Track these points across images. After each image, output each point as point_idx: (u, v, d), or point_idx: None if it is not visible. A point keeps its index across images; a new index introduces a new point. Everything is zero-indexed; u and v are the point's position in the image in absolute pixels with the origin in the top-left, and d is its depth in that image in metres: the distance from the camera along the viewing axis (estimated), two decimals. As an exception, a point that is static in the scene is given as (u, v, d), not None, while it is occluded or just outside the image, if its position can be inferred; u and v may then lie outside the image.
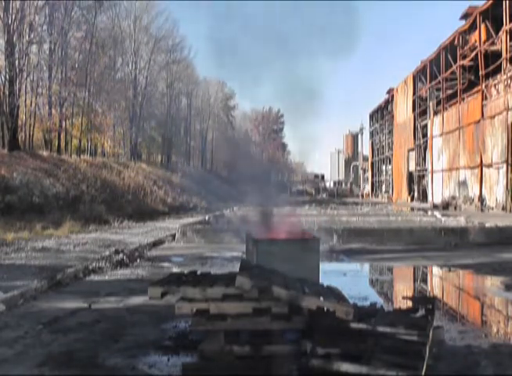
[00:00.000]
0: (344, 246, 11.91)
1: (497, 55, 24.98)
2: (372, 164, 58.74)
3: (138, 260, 9.79)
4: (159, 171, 36.98)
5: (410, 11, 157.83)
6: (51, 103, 27.32)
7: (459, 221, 16.76)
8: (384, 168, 53.30)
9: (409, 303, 5.21)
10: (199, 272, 4.57)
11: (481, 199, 25.66)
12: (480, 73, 26.33)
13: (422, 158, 38.11)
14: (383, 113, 53.51)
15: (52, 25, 26.61)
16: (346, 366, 3.13)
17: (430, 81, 35.25)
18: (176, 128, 47.28)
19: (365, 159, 64.73)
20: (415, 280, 9.00)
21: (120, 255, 9.63)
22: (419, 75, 38.80)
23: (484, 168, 25.84)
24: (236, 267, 5.43)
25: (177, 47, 43.64)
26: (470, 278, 8.61)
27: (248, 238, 5.71)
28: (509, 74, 23.53)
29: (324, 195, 59.54)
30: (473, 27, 27.97)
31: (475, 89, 27.52)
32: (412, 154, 39.94)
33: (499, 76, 24.82)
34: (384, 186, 53.09)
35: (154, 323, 5.16)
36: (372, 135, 59.24)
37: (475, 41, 27.50)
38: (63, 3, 26.89)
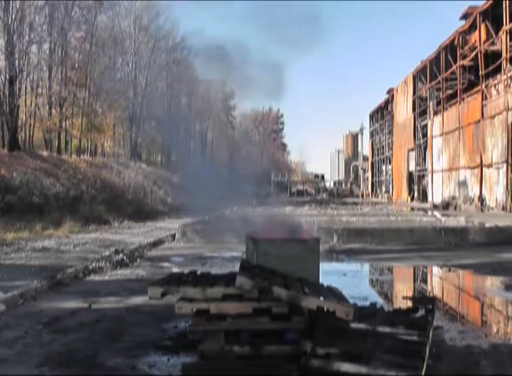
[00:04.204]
0: (344, 246, 11.92)
1: (497, 55, 24.96)
2: (372, 164, 58.71)
3: (139, 260, 9.80)
4: (159, 171, 36.96)
5: (410, 10, 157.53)
6: (51, 103, 27.29)
7: (459, 221, 16.76)
8: (384, 168, 53.27)
9: (409, 303, 5.21)
10: (199, 273, 4.57)
11: (481, 199, 25.64)
12: (480, 73, 26.31)
13: (422, 158, 38.09)
14: (383, 113, 53.48)
15: (52, 25, 26.57)
16: (346, 367, 3.13)
17: (430, 81, 35.24)
18: (176, 128, 47.16)
19: (365, 159, 64.65)
20: (415, 280, 9.00)
21: (120, 255, 9.64)
22: (419, 75, 38.78)
23: (484, 168, 25.83)
24: (236, 267, 5.43)
25: (177, 47, 43.58)
26: (470, 278, 8.61)
27: (248, 238, 5.70)
28: (509, 74, 23.52)
29: (324, 195, 59.47)
30: (473, 27, 27.95)
31: (475, 89, 27.50)
32: (412, 154, 39.92)
33: (499, 76, 24.81)
34: (383, 186, 53.07)
35: (154, 323, 5.16)
36: (372, 135, 59.21)
37: (475, 41, 27.47)
38: (63, 3, 26.85)
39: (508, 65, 23.67)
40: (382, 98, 53.01)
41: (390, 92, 49.06)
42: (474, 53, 27.43)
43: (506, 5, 23.43)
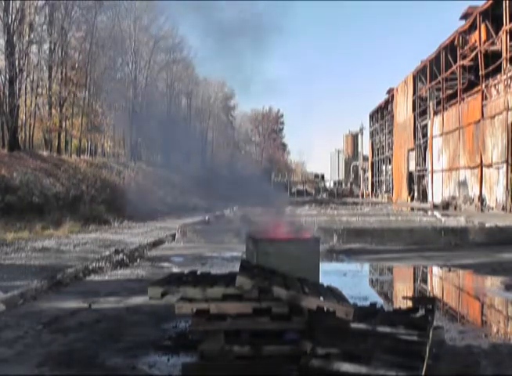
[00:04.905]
0: (344, 246, 11.92)
1: (497, 55, 24.96)
2: (372, 164, 58.71)
3: (139, 260, 9.80)
4: (159, 171, 36.95)
5: (411, 10, 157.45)
6: (51, 103, 27.29)
7: (459, 221, 16.77)
8: (384, 168, 53.26)
9: (409, 303, 5.21)
10: (199, 273, 4.57)
11: (481, 199, 25.64)
12: (480, 73, 26.31)
13: (422, 158, 38.09)
14: (383, 113, 53.48)
15: (52, 25, 26.57)
16: (346, 367, 3.13)
17: (430, 81, 35.23)
18: (176, 128, 47.16)
19: (365, 159, 64.66)
20: (415, 280, 9.00)
21: (120, 255, 9.63)
22: (419, 75, 38.78)
23: (484, 168, 25.82)
24: (236, 267, 5.43)
25: (177, 47, 43.58)
26: (470, 278, 8.61)
27: (248, 238, 5.70)
28: (509, 74, 23.51)
29: (324, 195, 59.48)
30: (473, 27, 27.95)
31: (475, 89, 27.50)
32: (412, 154, 39.92)
33: (499, 76, 24.80)
34: (384, 186, 53.06)
35: (154, 323, 5.16)
36: (372, 135, 59.21)
37: (475, 41, 27.47)
38: (63, 3, 26.85)
39: (508, 65, 23.67)
40: (382, 98, 53.08)
41: (390, 92, 49.06)
42: (474, 53, 27.42)
43: (506, 5, 23.42)
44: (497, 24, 25.29)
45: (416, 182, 39.65)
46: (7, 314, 5.53)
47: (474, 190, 27.08)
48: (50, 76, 27.30)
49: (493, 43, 25.82)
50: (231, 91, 61.62)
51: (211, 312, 3.74)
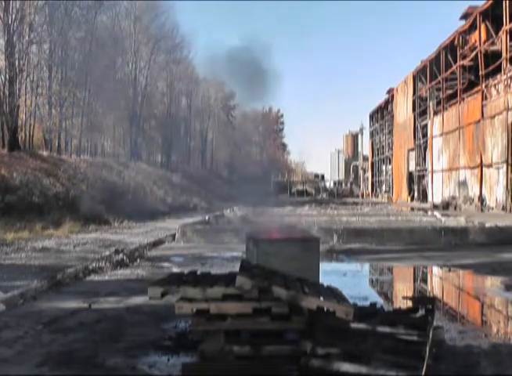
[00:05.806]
0: (344, 246, 11.91)
1: (497, 55, 24.96)
2: (372, 164, 58.70)
3: (139, 260, 9.79)
4: (159, 171, 36.96)
5: (411, 10, 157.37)
6: (51, 103, 27.29)
7: (459, 221, 16.76)
8: (384, 168, 53.26)
9: (409, 303, 5.21)
10: (199, 273, 4.57)
11: (481, 199, 25.64)
12: (480, 73, 26.32)
13: (422, 158, 38.09)
14: (383, 113, 53.47)
15: (52, 25, 26.57)
16: (346, 367, 3.13)
17: (430, 81, 35.24)
18: (176, 128, 47.23)
19: (365, 159, 64.65)
20: (415, 280, 9.00)
21: (120, 255, 9.63)
22: (419, 75, 38.78)
23: (484, 168, 25.83)
24: (236, 267, 5.43)
25: (177, 47, 43.60)
26: (470, 278, 8.61)
27: (248, 238, 5.71)
28: (509, 74, 23.52)
29: (324, 195, 59.48)
30: (473, 27, 27.95)
31: (475, 89, 27.50)
32: (412, 154, 39.92)
33: (499, 76, 24.81)
34: (384, 186, 53.05)
35: (154, 323, 5.16)
36: (372, 135, 59.21)
37: (475, 41, 27.48)
38: (63, 3, 26.85)
39: (508, 65, 23.67)
40: (382, 98, 53.08)
41: (390, 92, 49.05)
42: (474, 53, 27.43)
43: (506, 5, 23.43)
44: (497, 24, 25.29)
45: (416, 182, 39.65)
46: (7, 314, 5.53)
47: (474, 190, 27.08)
48: (50, 76, 27.30)
49: (493, 43, 25.83)
50: (231, 91, 61.59)
51: (211, 312, 3.74)
